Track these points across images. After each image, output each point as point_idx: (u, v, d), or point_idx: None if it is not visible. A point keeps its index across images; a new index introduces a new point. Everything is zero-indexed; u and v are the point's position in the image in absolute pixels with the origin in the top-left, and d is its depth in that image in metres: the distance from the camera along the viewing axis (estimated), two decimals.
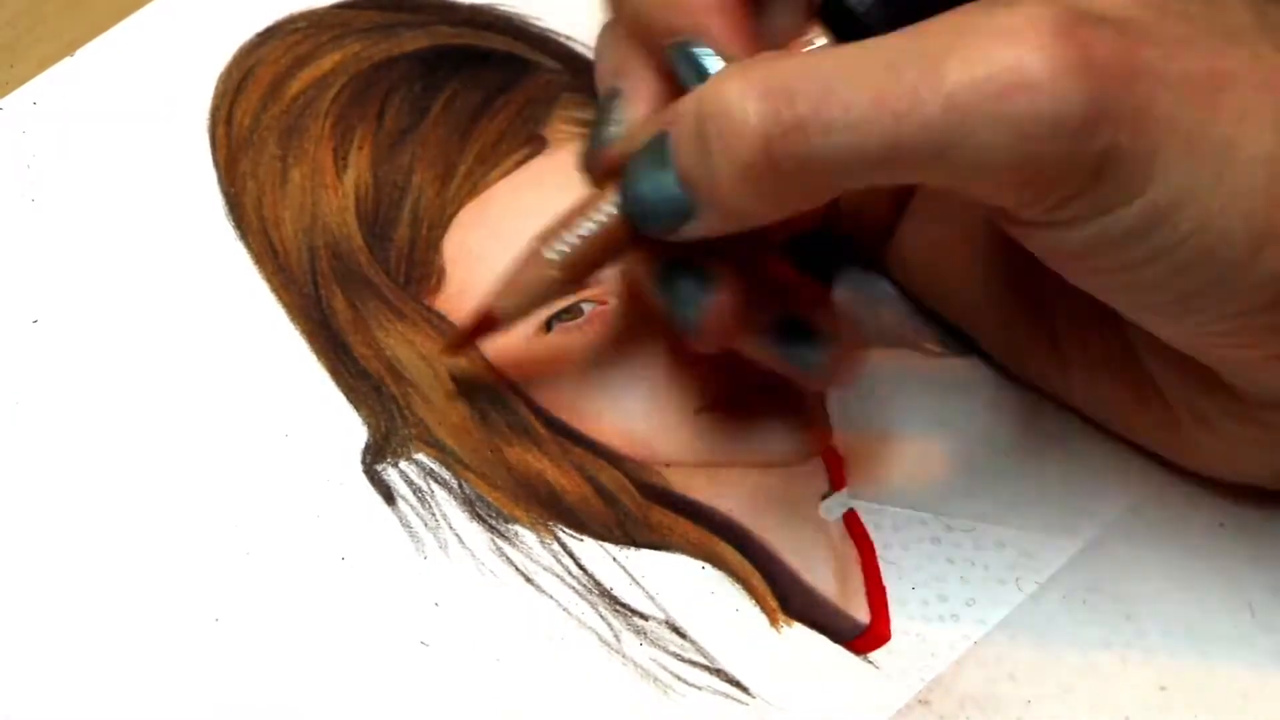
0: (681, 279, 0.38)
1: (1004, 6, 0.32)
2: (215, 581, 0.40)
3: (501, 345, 0.43)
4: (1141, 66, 0.32)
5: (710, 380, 0.43)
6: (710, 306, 0.37)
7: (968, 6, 0.33)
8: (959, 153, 0.32)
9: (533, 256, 0.38)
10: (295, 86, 0.48)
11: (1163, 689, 0.39)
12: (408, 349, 0.43)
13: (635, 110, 0.38)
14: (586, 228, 0.37)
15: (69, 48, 0.49)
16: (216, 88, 0.48)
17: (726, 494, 0.41)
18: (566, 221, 0.38)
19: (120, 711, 0.38)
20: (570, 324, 0.43)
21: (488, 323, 0.40)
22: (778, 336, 0.39)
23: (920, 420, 0.42)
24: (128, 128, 0.47)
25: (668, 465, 0.42)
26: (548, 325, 0.43)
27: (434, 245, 0.45)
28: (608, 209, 0.37)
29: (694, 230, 0.35)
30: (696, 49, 0.37)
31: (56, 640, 0.39)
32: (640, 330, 0.43)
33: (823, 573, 0.40)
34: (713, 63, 0.37)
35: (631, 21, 0.39)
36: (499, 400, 0.42)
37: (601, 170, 0.38)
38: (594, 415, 0.42)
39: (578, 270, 0.38)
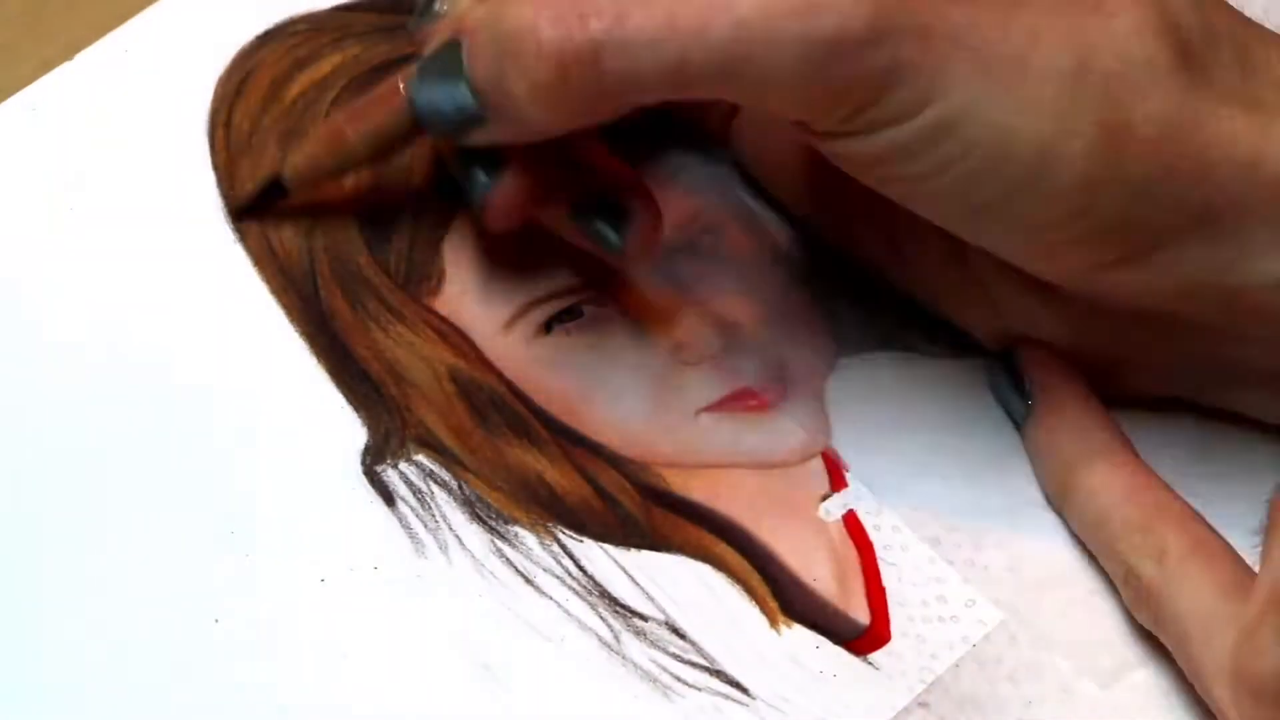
0: (473, 163, 0.40)
1: None
2: (215, 583, 0.40)
3: (502, 345, 0.43)
4: None
5: (710, 380, 0.43)
6: (498, 190, 0.39)
7: None
8: (746, 72, 0.34)
9: (329, 125, 0.41)
10: (295, 89, 0.48)
11: (1164, 691, 0.39)
12: (408, 350, 0.43)
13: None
14: (387, 114, 0.40)
15: (69, 50, 0.49)
16: (216, 91, 0.48)
17: (726, 495, 0.41)
18: (370, 102, 0.41)
19: (120, 712, 0.38)
20: (570, 324, 0.43)
21: (275, 187, 0.43)
22: (578, 214, 0.40)
23: (920, 420, 0.43)
24: (128, 131, 0.47)
25: (668, 466, 0.42)
26: (547, 326, 0.43)
27: (434, 246, 0.45)
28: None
29: (482, 137, 0.38)
30: None
31: (56, 640, 0.39)
32: (640, 330, 0.43)
33: (823, 574, 0.40)
34: None
35: None
36: (499, 401, 0.42)
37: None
38: (594, 415, 0.42)
39: (372, 150, 0.41)
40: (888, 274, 0.43)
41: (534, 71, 0.35)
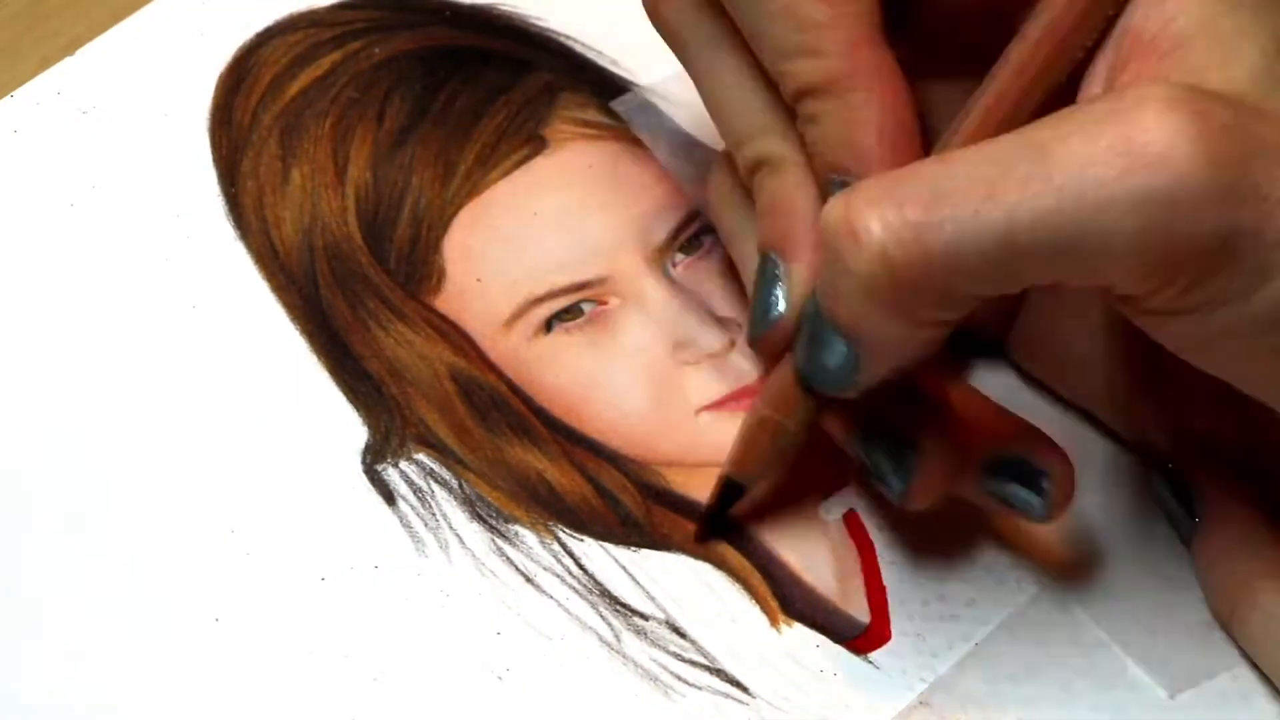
0: (879, 445, 0.37)
1: (1111, 94, 0.31)
2: (215, 582, 0.40)
3: (502, 344, 0.43)
4: (1257, 145, 0.30)
5: (711, 379, 0.43)
6: (916, 472, 0.36)
7: (1074, 105, 0.32)
8: (1080, 240, 0.30)
9: (758, 421, 0.38)
10: (295, 87, 0.48)
11: (1163, 690, 0.39)
12: (408, 349, 0.43)
13: (801, 283, 0.37)
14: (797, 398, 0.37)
15: (69, 47, 0.49)
16: (217, 88, 0.48)
17: None
18: (776, 393, 0.38)
19: (120, 711, 0.38)
20: (570, 324, 0.43)
21: (732, 488, 0.40)
22: (991, 480, 0.37)
23: None
24: (128, 128, 0.47)
25: (668, 465, 0.42)
26: (547, 325, 0.43)
27: (434, 245, 0.45)
28: None
29: (866, 377, 0.34)
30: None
31: (57, 639, 0.39)
32: (640, 330, 0.43)
33: (823, 573, 0.40)
34: None
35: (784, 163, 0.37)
36: (499, 400, 0.42)
37: (775, 352, 0.37)
38: (594, 415, 0.42)
39: (804, 426, 0.38)
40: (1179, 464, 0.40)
41: (860, 267, 0.31)
